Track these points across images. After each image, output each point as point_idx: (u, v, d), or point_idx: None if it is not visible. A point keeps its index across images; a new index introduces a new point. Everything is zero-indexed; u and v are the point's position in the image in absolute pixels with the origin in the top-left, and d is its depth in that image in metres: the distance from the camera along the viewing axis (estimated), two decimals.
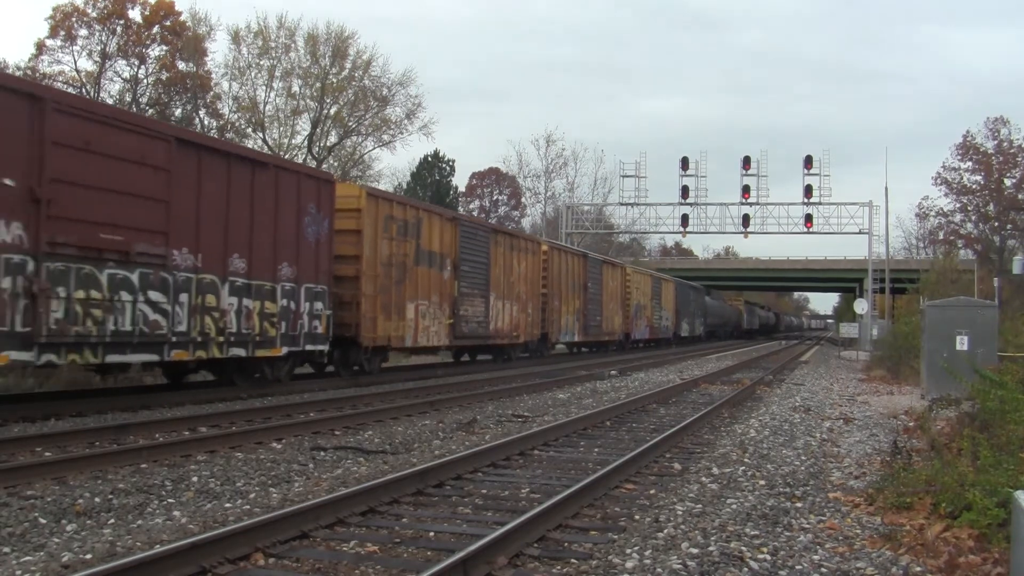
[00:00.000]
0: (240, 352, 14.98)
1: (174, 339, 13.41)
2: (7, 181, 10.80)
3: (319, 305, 16.97)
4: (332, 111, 45.77)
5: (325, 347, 17.41)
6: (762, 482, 8.51)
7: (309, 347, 16.81)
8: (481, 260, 24.70)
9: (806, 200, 49.39)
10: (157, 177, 13.02)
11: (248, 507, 7.17)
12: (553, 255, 31.40)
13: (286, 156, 44.76)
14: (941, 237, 50.03)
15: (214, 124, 43.47)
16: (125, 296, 12.43)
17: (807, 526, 6.84)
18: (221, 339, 14.45)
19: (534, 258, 29.19)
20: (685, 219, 51.21)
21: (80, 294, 11.67)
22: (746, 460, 9.77)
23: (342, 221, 17.82)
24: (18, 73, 39.28)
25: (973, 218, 48.36)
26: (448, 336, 22.75)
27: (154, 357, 13.35)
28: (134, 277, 12.60)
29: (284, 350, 16.12)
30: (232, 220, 14.57)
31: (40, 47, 39.58)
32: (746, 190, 50.05)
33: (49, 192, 11.22)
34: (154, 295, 12.96)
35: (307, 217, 16.52)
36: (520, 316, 27.80)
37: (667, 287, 49.93)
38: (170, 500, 7.41)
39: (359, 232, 18.40)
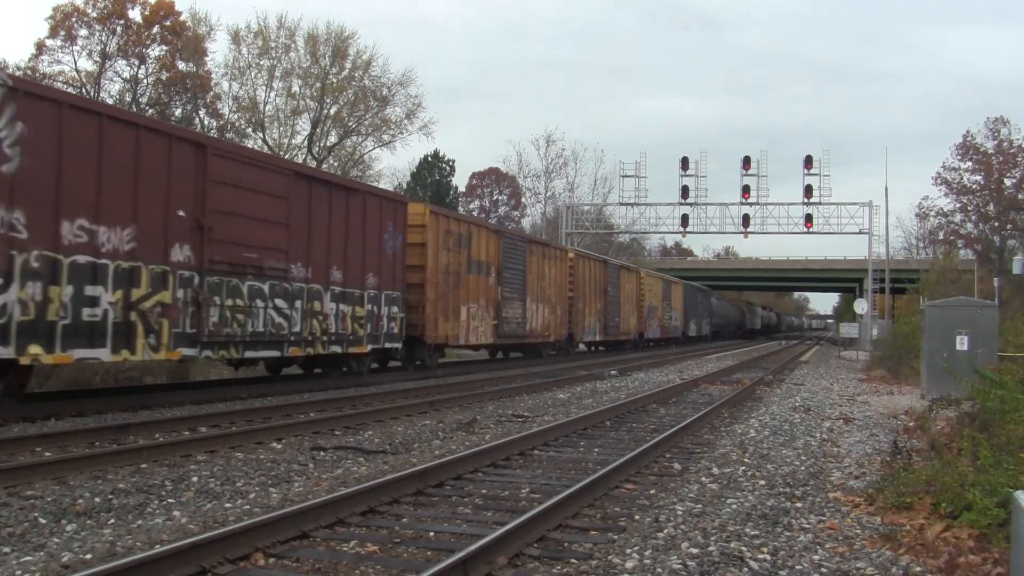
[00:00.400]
0: (337, 349, 17.65)
1: (292, 338, 16.17)
2: (180, 212, 13.50)
3: (395, 309, 19.63)
4: (332, 111, 45.77)
5: (399, 345, 20.16)
6: (762, 482, 8.51)
7: (387, 345, 19.56)
8: (519, 268, 27.51)
9: (806, 200, 49.37)
10: (280, 205, 15.78)
11: (248, 507, 7.17)
12: (578, 262, 34.16)
13: (286, 156, 44.88)
14: (941, 237, 49.99)
15: (214, 124, 43.46)
16: (259, 303, 15.27)
17: (807, 526, 6.83)
18: (324, 338, 17.15)
19: (562, 264, 32.05)
20: (685, 219, 51.19)
21: (229, 302, 14.45)
22: (746, 460, 9.77)
23: (410, 235, 20.42)
24: (18, 73, 39.32)
25: (973, 218, 48.33)
26: (493, 335, 25.59)
27: (276, 353, 16.13)
28: (265, 288, 15.40)
29: (369, 347, 18.73)
30: (332, 238, 17.32)
31: (40, 47, 39.59)
32: (746, 190, 50.03)
33: (209, 220, 13.97)
34: (279, 302, 15.78)
35: (386, 233, 19.20)
36: (550, 318, 30.72)
37: (676, 289, 52.70)
38: (170, 500, 7.41)
39: (424, 245, 21.09)
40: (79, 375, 16.76)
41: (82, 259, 11.82)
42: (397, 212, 19.76)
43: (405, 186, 59.10)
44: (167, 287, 13.22)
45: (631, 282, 42.01)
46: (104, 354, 12.24)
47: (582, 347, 37.96)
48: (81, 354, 11.87)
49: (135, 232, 12.65)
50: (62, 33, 39.30)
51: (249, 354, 15.43)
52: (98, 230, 12.07)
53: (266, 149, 44.83)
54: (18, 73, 38.89)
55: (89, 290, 11.91)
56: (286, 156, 44.72)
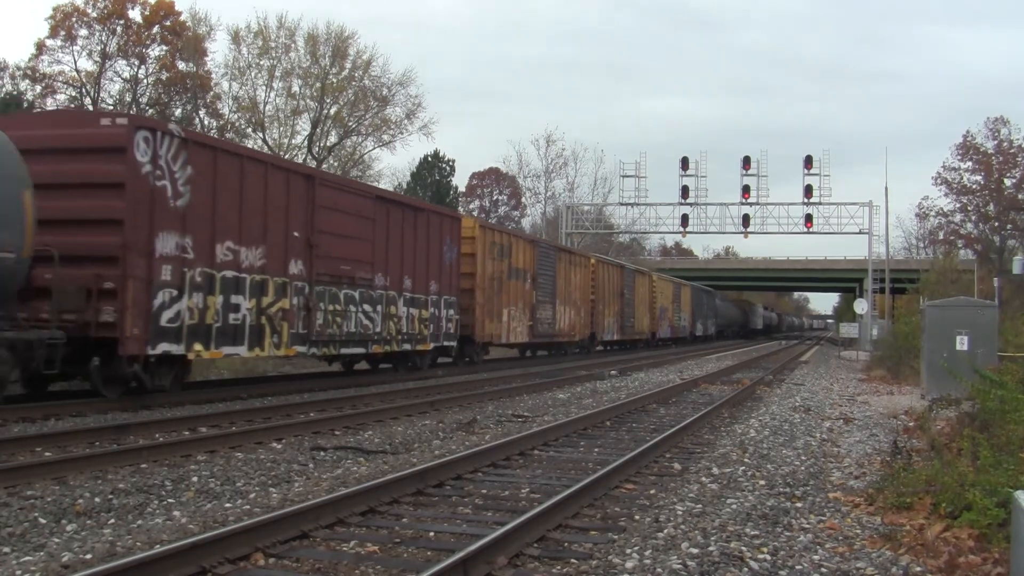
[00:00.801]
0: (408, 347, 20.65)
1: (375, 337, 19.12)
2: (295, 234, 16.29)
3: (451, 312, 22.70)
4: (332, 111, 45.74)
5: (455, 343, 23.24)
6: (762, 482, 8.51)
7: (445, 343, 22.60)
8: (550, 274, 30.47)
9: (806, 200, 49.34)
10: (367, 224, 18.67)
11: (248, 507, 7.17)
12: (599, 267, 37.17)
13: (286, 156, 44.87)
14: (941, 237, 49.95)
15: (214, 124, 43.46)
16: (352, 308, 18.17)
17: (807, 526, 6.83)
18: (399, 337, 20.14)
19: (585, 270, 35.08)
20: (685, 219, 51.16)
21: (330, 307, 17.40)
22: (746, 460, 9.77)
23: (463, 247, 23.46)
24: (18, 73, 39.36)
25: (973, 218, 48.29)
26: (528, 335, 28.70)
27: (362, 350, 19.18)
28: (356, 295, 18.34)
29: (431, 345, 21.85)
30: (404, 251, 20.19)
31: (40, 47, 39.56)
32: (746, 190, 49.99)
33: (316, 240, 16.85)
34: (366, 307, 18.71)
35: (444, 246, 22.19)
36: (576, 319, 33.73)
37: (685, 291, 55.83)
38: (170, 500, 7.41)
39: (473, 255, 24.24)
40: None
41: (229, 274, 14.65)
42: (453, 227, 22.87)
43: (405, 186, 59.06)
44: (286, 295, 16.06)
45: (644, 285, 44.97)
46: (243, 350, 15.12)
47: (599, 347, 40.23)
48: (227, 350, 14.76)
49: (264, 251, 15.49)
50: (62, 33, 39.28)
51: (344, 351, 18.49)
52: (240, 250, 14.89)
53: (266, 149, 44.88)
54: (18, 74, 38.94)
55: (234, 299, 14.73)
56: (286, 156, 44.82)
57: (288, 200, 15.99)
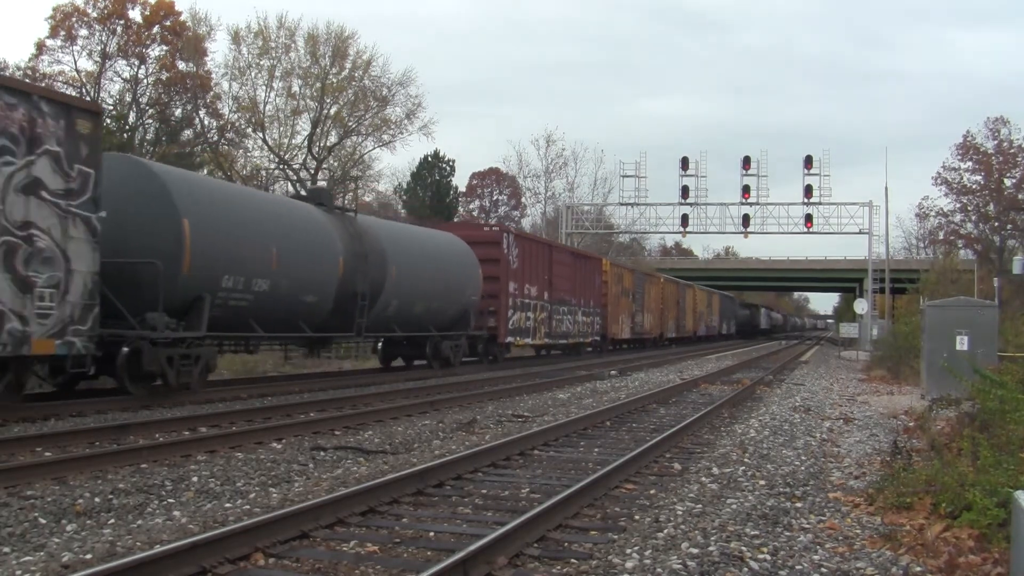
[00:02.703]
0: (581, 339, 34.54)
1: (572, 333, 32.60)
2: (545, 276, 29.46)
3: (597, 319, 36.55)
4: (332, 111, 45.70)
5: (599, 338, 37.15)
6: (762, 482, 8.51)
7: (594, 339, 36.32)
8: (641, 291, 43.85)
9: (806, 200, 49.31)
10: (569, 269, 32.65)
11: (248, 507, 7.17)
12: (665, 284, 50.30)
13: (286, 156, 44.96)
14: (941, 237, 49.88)
15: (214, 124, 43.46)
16: (566, 317, 31.93)
17: (807, 526, 6.83)
18: (578, 334, 33.84)
19: (657, 287, 48.39)
20: (685, 219, 51.13)
21: (556, 318, 30.71)
22: (746, 460, 9.77)
23: (602, 277, 37.29)
24: (18, 74, 39.30)
25: (973, 218, 48.22)
26: (630, 333, 42.46)
27: (564, 341, 32.58)
28: (564, 309, 31.83)
29: (590, 339, 35.96)
30: (579, 283, 33.79)
31: (40, 47, 39.53)
32: (746, 190, 49.95)
33: (552, 280, 30.24)
34: (568, 317, 32.21)
35: (595, 276, 36.27)
36: (652, 322, 46.73)
37: (715, 299, 69.78)
38: (170, 500, 7.41)
39: (606, 282, 37.75)
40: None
41: (526, 301, 27.99)
42: (598, 265, 37.38)
43: (405, 186, 59.07)
44: (543, 311, 29.48)
45: (691, 296, 58.32)
46: (529, 340, 28.72)
47: (665, 341, 51.70)
48: (524, 341, 28.30)
49: (537, 288, 28.95)
50: (62, 33, 39.25)
51: (560, 342, 32.41)
52: (530, 289, 28.32)
53: (266, 149, 44.90)
54: (18, 74, 38.89)
55: (528, 313, 27.94)
56: (286, 156, 44.93)
57: (546, 261, 30.13)
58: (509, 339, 26.58)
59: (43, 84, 39.59)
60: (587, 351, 36.08)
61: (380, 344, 23.96)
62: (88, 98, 39.65)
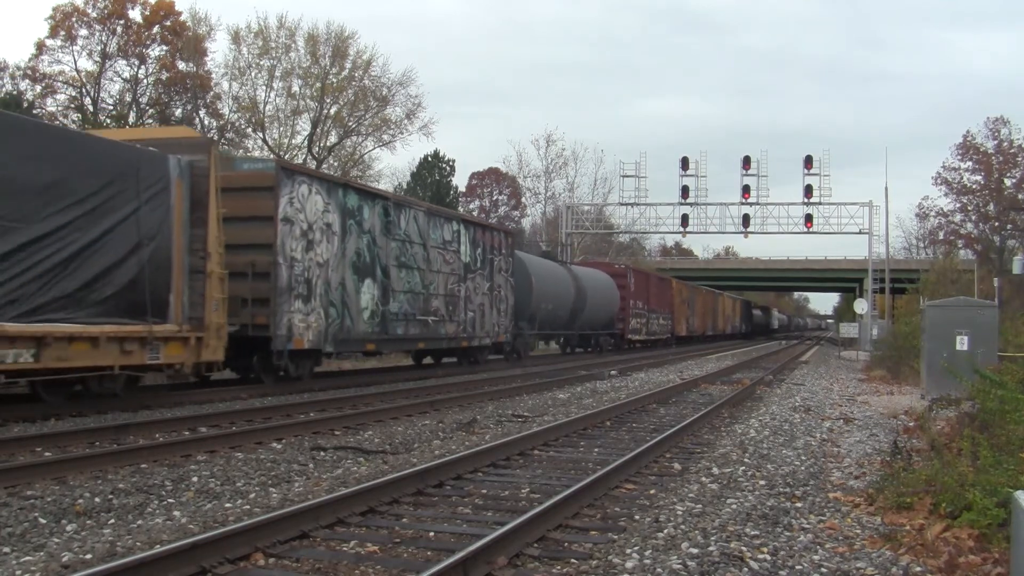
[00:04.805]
0: (664, 336, 49.29)
1: (657, 333, 47.56)
2: (645, 294, 45.84)
3: (667, 321, 49.32)
4: (332, 111, 45.79)
5: (671, 335, 50.21)
6: (762, 482, 8.51)
7: (665, 336, 49.08)
8: (692, 300, 56.72)
9: (806, 200, 49.23)
10: (656, 288, 47.50)
11: (248, 507, 7.17)
12: (707, 294, 64.15)
13: (286, 156, 44.97)
14: (941, 237, 49.95)
15: (214, 124, 43.46)
16: (656, 322, 47.64)
17: (807, 526, 6.83)
18: (660, 332, 48.41)
19: (700, 296, 61.79)
20: (685, 219, 51.05)
21: (652, 322, 46.62)
22: (746, 460, 9.77)
23: (671, 292, 51.22)
24: (18, 73, 39.32)
25: (973, 218, 48.28)
26: (686, 332, 54.73)
27: (654, 338, 46.94)
28: (655, 316, 47.28)
29: (668, 336, 50.01)
30: (664, 295, 48.99)
31: (40, 47, 39.58)
32: (746, 190, 49.87)
33: (648, 296, 46.05)
34: (656, 321, 47.60)
35: (668, 292, 49.50)
36: (698, 323, 59.99)
37: (737, 304, 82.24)
38: (170, 500, 7.41)
39: (673, 295, 50.14)
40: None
41: (638, 311, 43.41)
42: (669, 283, 50.29)
43: (405, 186, 59.09)
44: (645, 317, 44.96)
45: (721, 302, 71.21)
46: (639, 337, 44.01)
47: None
48: (636, 337, 43.39)
49: (643, 302, 44.29)
50: (62, 33, 39.31)
51: (651, 338, 45.87)
52: (636, 302, 42.60)
53: (266, 149, 44.88)
54: (18, 74, 38.91)
55: (638, 319, 44.32)
56: (286, 156, 44.96)
57: (645, 283, 43.75)
58: (630, 335, 42.01)
59: (43, 84, 39.64)
60: (660, 344, 49.01)
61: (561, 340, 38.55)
62: (90, 99, 39.70)
